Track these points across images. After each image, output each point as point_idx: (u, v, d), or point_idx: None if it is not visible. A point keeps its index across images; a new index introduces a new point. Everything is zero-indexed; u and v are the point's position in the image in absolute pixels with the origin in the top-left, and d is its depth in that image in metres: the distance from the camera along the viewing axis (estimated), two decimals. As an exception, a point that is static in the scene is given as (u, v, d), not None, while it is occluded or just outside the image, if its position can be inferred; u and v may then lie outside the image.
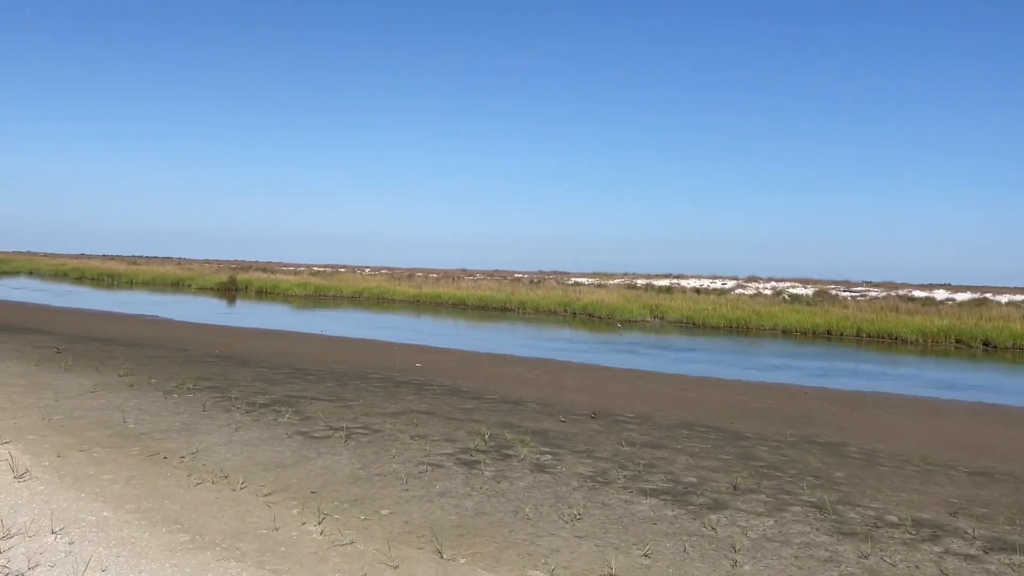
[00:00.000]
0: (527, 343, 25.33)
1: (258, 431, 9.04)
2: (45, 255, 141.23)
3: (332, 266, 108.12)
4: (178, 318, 28.84)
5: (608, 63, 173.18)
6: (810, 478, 8.10)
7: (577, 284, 59.77)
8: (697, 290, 52.77)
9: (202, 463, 7.40)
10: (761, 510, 6.80)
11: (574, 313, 41.93)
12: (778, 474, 8.22)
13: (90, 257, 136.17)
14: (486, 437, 9.19)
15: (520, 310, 43.92)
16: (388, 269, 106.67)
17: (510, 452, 8.59)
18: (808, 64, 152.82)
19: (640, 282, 66.13)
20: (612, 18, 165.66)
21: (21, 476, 6.52)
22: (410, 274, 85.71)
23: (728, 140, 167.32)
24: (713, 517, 6.51)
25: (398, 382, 14.14)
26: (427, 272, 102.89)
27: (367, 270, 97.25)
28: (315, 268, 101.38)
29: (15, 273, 78.26)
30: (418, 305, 47.68)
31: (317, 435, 9.02)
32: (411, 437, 9.11)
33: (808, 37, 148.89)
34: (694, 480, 7.77)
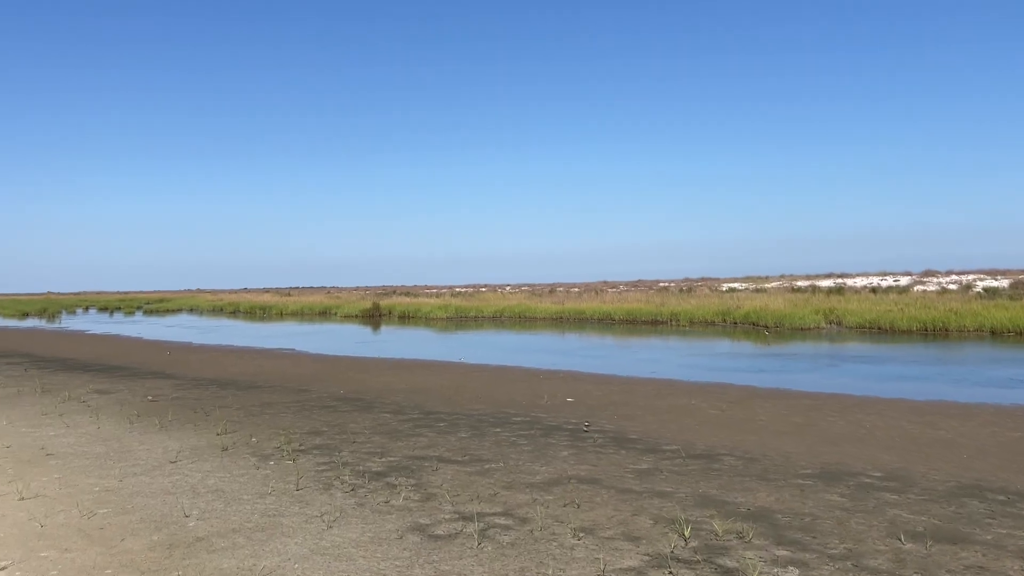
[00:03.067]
0: (691, 362, 21.92)
1: (359, 527, 6.41)
2: (209, 291, 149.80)
3: (473, 286, 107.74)
4: (313, 350, 27.43)
5: (753, 63, 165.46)
6: None
7: (732, 290, 55.22)
8: (873, 289, 47.10)
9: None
10: None
11: (735, 322, 37.84)
12: None
13: (248, 291, 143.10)
14: (685, 533, 6.14)
15: (672, 322, 40.27)
16: (529, 286, 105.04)
17: (729, 563, 5.51)
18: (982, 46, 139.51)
19: (801, 284, 60.60)
20: (761, 24, 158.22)
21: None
22: (551, 289, 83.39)
23: (885, 131, 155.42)
24: None
25: (547, 427, 11.30)
26: (568, 287, 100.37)
27: (507, 288, 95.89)
28: (456, 289, 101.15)
29: (177, 311, 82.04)
30: (561, 322, 44.95)
31: (440, 532, 6.28)
32: (573, 533, 6.20)
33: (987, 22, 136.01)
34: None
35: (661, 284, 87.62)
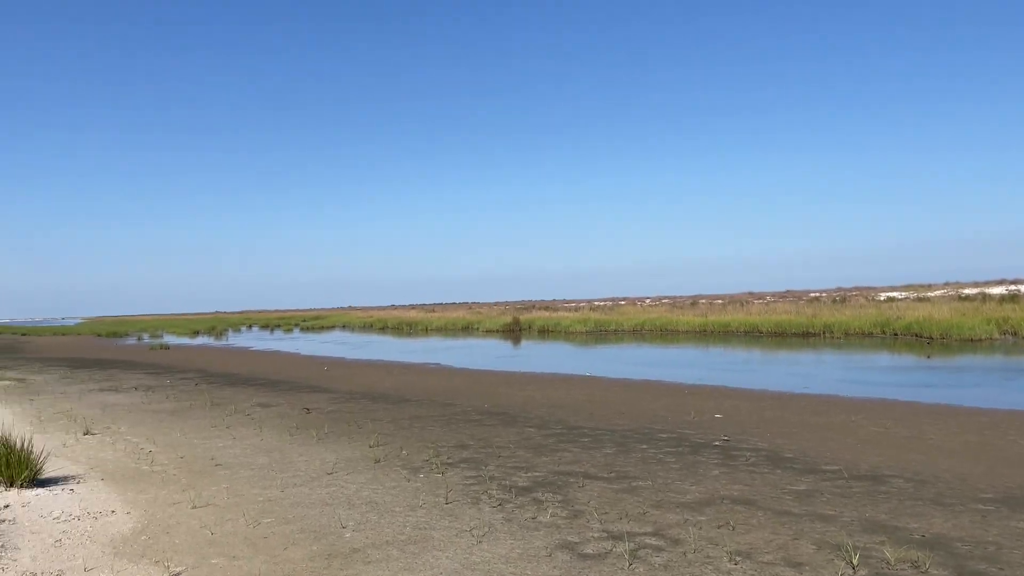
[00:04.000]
0: (848, 376, 20.70)
1: (508, 543, 6.40)
2: (360, 309, 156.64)
3: (612, 299, 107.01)
4: (458, 364, 28.02)
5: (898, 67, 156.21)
6: None
7: (891, 300, 51.93)
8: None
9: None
10: None
11: (895, 334, 35.52)
12: None
13: (396, 307, 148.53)
14: (853, 560, 5.72)
15: (826, 334, 38.27)
16: (669, 298, 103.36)
17: (905, 595, 5.08)
18: None
19: (969, 291, 56.17)
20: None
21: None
22: (693, 302, 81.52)
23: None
24: None
25: (695, 444, 10.94)
26: (710, 299, 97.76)
27: (647, 301, 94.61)
28: (595, 303, 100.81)
29: (331, 327, 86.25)
30: (705, 335, 43.73)
31: (589, 550, 6.17)
32: (729, 557, 5.92)
33: None
34: None
35: (811, 294, 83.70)
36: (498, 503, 7.73)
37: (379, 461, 10.07)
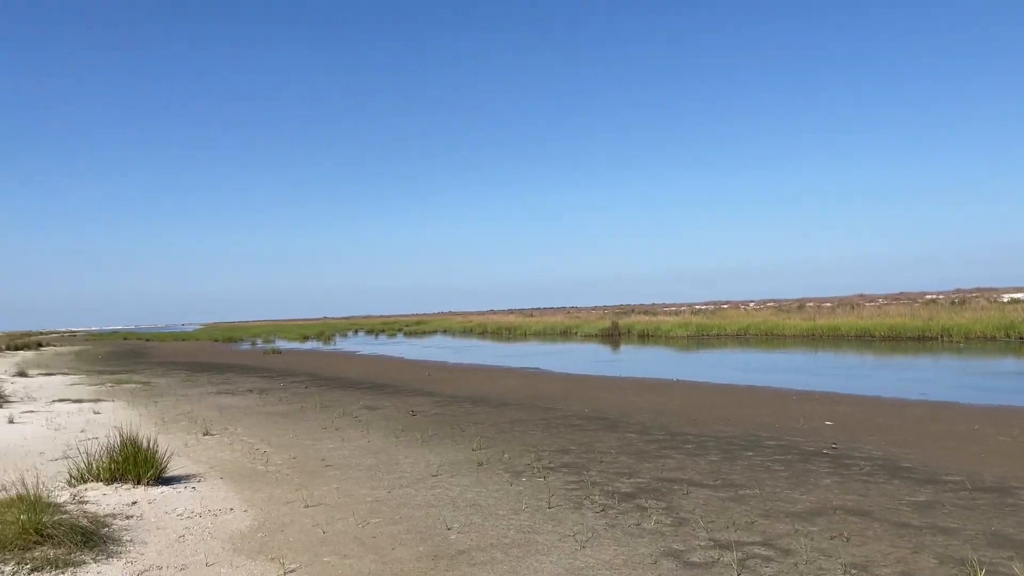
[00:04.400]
0: (970, 382, 19.58)
1: (612, 548, 6.36)
2: (460, 313, 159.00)
3: (714, 303, 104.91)
4: (557, 369, 28.03)
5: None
6: None
7: (1015, 301, 48.84)
8: None
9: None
10: None
11: (1020, 338, 33.37)
12: None
13: (494, 312, 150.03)
14: (979, 574, 5.42)
15: (944, 338, 36.32)
16: (774, 302, 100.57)
17: (1039, 615, 4.77)
18: None
19: (1106, 291, 52.23)
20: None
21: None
22: (799, 305, 78.95)
23: None
24: None
25: (805, 452, 10.58)
26: (818, 301, 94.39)
27: (751, 304, 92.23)
28: (696, 307, 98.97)
29: (432, 332, 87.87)
30: (813, 340, 42.22)
31: (695, 559, 6.06)
32: (844, 569, 5.70)
33: None
34: None
35: (927, 296, 79.66)
36: (601, 508, 7.69)
37: (482, 464, 10.20)
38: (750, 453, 10.64)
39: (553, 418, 14.82)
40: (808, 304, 79.78)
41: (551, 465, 10.06)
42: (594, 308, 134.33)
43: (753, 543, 6.43)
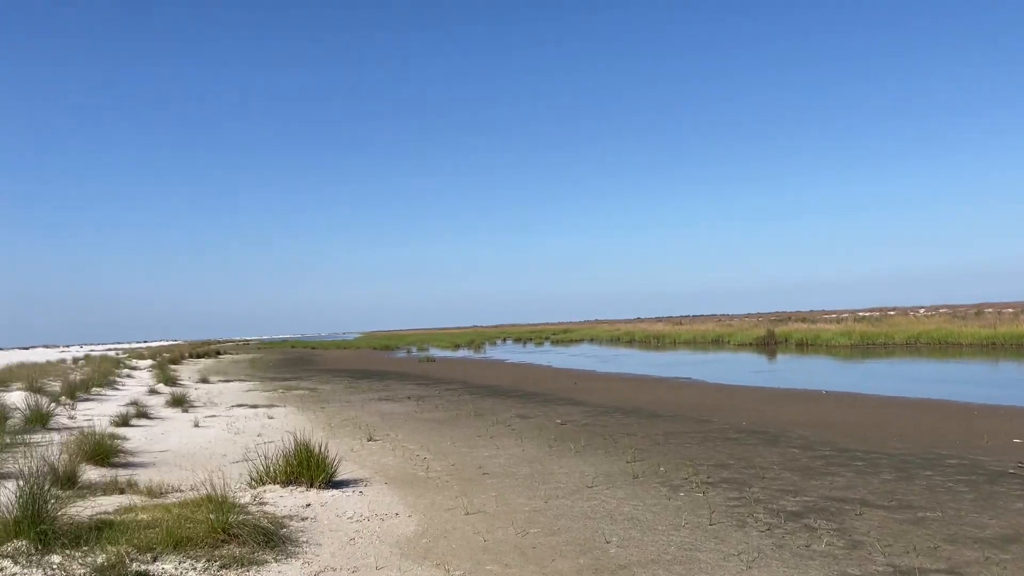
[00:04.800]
0: None
1: (780, 570, 6.10)
2: (607, 322, 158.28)
3: (879, 309, 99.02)
4: (710, 379, 27.30)
5: None
6: None
7: None
8: None
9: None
10: None
11: None
12: None
13: (642, 320, 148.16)
14: None
15: None
16: (948, 307, 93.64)
17: None
18: None
19: None
20: None
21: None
22: (977, 310, 73.05)
23: None
24: None
25: (992, 473, 9.73)
26: (999, 307, 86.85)
27: (921, 311, 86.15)
28: (859, 314, 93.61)
29: (579, 341, 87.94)
30: (994, 349, 38.87)
31: (873, 586, 5.70)
32: (1047, 606, 5.19)
33: None
34: None
35: None
36: (766, 527, 7.39)
37: (637, 477, 10.07)
38: (928, 472, 9.91)
39: (709, 431, 14.42)
40: (987, 310, 73.52)
41: (710, 480, 9.79)
42: (747, 316, 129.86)
43: (937, 570, 5.97)
